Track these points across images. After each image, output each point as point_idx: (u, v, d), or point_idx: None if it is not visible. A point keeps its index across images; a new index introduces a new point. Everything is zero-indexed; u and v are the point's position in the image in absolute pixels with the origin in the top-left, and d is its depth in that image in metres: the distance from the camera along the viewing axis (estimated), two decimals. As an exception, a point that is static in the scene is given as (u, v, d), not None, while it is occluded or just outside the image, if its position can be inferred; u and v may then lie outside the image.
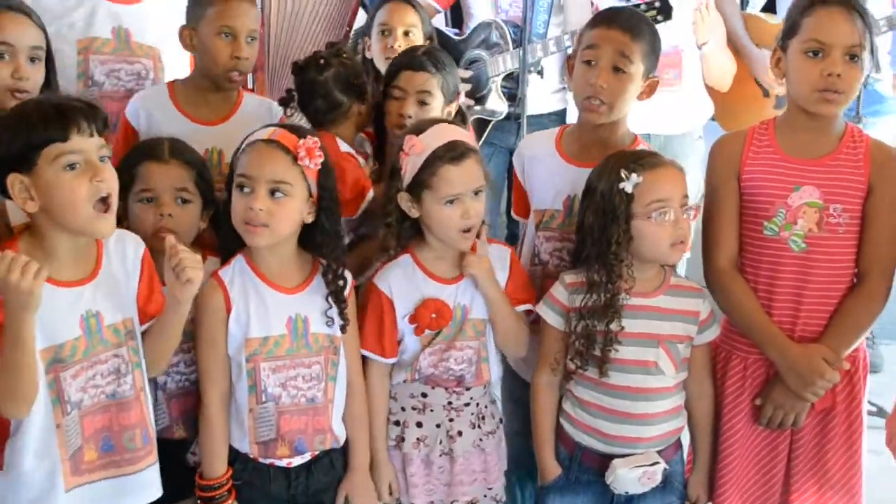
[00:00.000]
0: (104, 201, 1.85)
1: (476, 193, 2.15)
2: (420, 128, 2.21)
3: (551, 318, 2.23)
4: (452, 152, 2.13)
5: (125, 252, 2.00)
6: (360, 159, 2.53)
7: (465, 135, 2.24)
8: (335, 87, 2.53)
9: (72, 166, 1.82)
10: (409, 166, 2.16)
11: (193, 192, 2.21)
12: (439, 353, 2.23)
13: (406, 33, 2.99)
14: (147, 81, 2.71)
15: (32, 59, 2.27)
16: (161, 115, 2.50)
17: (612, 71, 2.26)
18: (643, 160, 2.15)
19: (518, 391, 2.41)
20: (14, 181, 1.82)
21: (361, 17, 3.48)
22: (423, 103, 2.51)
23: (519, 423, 2.40)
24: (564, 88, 3.60)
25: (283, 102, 2.62)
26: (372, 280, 2.23)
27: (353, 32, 3.47)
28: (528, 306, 2.28)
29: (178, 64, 2.74)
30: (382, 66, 2.89)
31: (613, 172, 2.13)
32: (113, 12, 2.68)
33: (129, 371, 1.98)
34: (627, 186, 2.11)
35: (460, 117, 2.62)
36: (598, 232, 2.14)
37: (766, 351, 2.24)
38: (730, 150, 2.29)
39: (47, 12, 2.44)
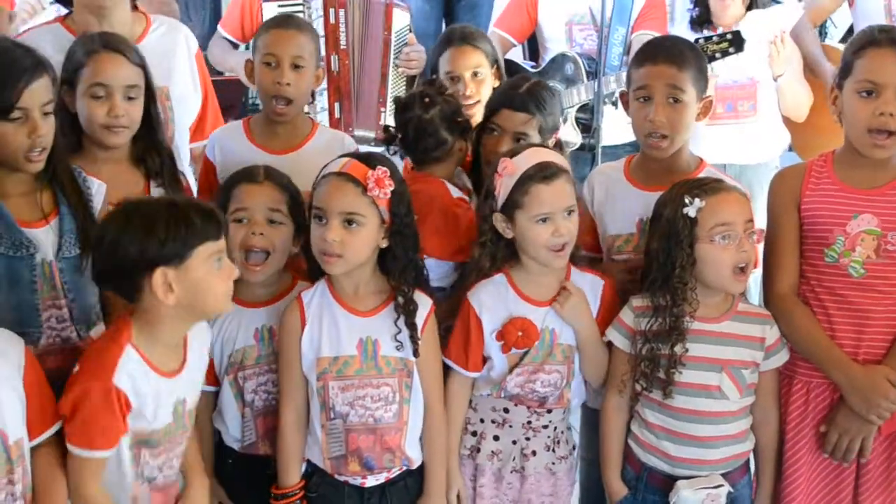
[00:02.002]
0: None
1: (568, 213, 2.21)
2: (514, 151, 2.28)
3: (619, 340, 2.27)
4: (544, 172, 2.19)
5: (202, 343, 2.11)
6: (470, 199, 2.53)
7: (558, 157, 2.29)
8: (441, 125, 2.53)
9: (219, 261, 1.96)
10: (503, 187, 2.22)
11: (285, 215, 2.25)
12: (527, 374, 2.27)
13: (475, 74, 3.00)
14: None
15: (130, 98, 2.34)
16: (234, 146, 2.58)
17: (668, 104, 2.31)
18: (706, 185, 2.19)
19: (597, 420, 2.42)
20: (159, 276, 1.89)
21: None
22: (518, 141, 2.51)
23: (596, 452, 2.42)
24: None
25: (387, 141, 2.66)
26: (466, 295, 2.29)
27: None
28: None
29: (187, 94, 2.79)
30: None
31: (678, 198, 2.18)
32: None
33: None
34: (691, 211, 2.15)
35: (558, 149, 2.58)
36: (664, 256, 2.18)
37: (829, 373, 2.25)
38: (790, 182, 2.33)
39: None
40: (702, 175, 2.38)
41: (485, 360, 2.30)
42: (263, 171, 2.29)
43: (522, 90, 2.59)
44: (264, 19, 3.35)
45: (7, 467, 1.84)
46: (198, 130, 2.90)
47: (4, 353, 1.88)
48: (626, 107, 2.45)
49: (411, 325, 2.17)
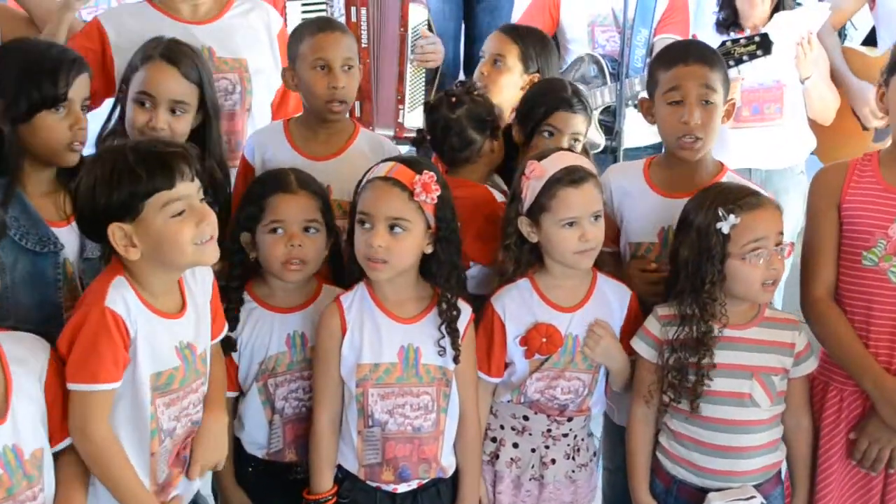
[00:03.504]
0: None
1: (595, 219, 2.19)
2: (542, 154, 2.26)
3: (644, 350, 2.25)
4: (572, 175, 2.17)
5: (203, 281, 2.07)
6: None
7: (586, 161, 2.28)
8: (468, 125, 2.51)
9: (179, 213, 1.88)
10: (529, 190, 2.20)
11: (320, 223, 2.24)
12: (548, 379, 2.26)
13: (494, 61, 2.89)
14: (235, 96, 2.74)
15: (173, 111, 2.35)
16: (275, 150, 2.54)
17: (700, 105, 2.29)
18: (741, 201, 2.15)
19: (619, 429, 2.42)
20: (115, 230, 1.87)
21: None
22: (575, 141, 2.52)
23: (619, 461, 2.41)
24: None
25: (416, 143, 2.65)
26: (489, 300, 2.27)
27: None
28: None
29: (266, 69, 2.80)
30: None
31: (711, 211, 2.14)
32: (193, 34, 2.70)
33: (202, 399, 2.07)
34: (724, 227, 2.12)
35: (584, 153, 2.58)
36: (693, 268, 2.16)
37: (860, 382, 2.22)
38: (831, 180, 2.29)
39: (133, 44, 2.48)
40: (724, 180, 2.36)
41: (506, 365, 2.29)
42: (295, 178, 2.26)
43: (571, 92, 2.58)
44: (287, 18, 3.34)
45: (25, 483, 1.80)
46: (280, 109, 2.91)
47: (23, 360, 1.84)
48: (646, 113, 2.43)
49: (453, 332, 2.15)
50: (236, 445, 2.29)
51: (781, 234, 2.16)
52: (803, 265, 2.30)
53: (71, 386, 1.87)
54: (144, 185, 1.86)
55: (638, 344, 2.26)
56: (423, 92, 3.46)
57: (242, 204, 2.29)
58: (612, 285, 2.30)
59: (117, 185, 1.86)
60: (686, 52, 2.37)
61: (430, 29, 3.52)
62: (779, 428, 2.25)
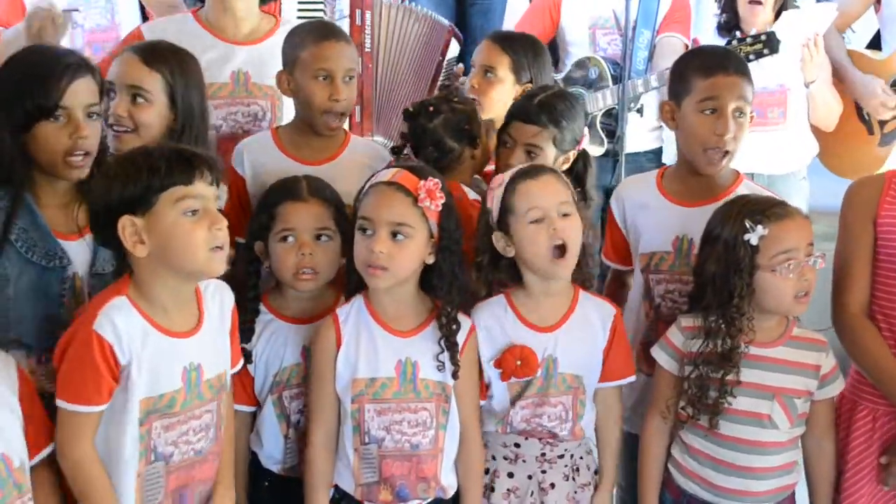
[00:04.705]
0: (219, 248, 1.87)
1: (564, 215, 2.10)
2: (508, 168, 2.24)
3: (665, 361, 2.19)
4: (528, 170, 2.14)
5: (222, 303, 2.02)
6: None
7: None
8: (445, 134, 2.46)
9: (193, 212, 1.83)
10: (495, 199, 2.15)
11: (333, 230, 2.19)
12: (532, 406, 2.17)
13: (486, 72, 2.82)
14: (264, 122, 2.73)
15: (134, 98, 2.29)
16: (265, 158, 2.48)
17: (734, 118, 2.24)
18: (769, 211, 2.09)
19: (632, 444, 2.34)
20: (126, 223, 1.81)
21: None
22: (530, 154, 2.44)
23: (633, 478, 2.33)
24: (661, 127, 3.55)
25: (396, 151, 2.59)
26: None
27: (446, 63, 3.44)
28: (629, 379, 2.23)
29: None
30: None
31: (737, 222, 2.08)
32: (232, 56, 2.71)
33: (216, 426, 1.99)
34: (752, 238, 2.06)
35: (583, 162, 2.54)
36: (720, 282, 2.09)
37: (892, 400, 2.16)
38: (866, 194, 2.22)
39: None
40: (740, 189, 2.31)
41: (486, 386, 2.20)
42: (306, 185, 2.20)
43: (536, 102, 2.49)
44: (282, 16, 3.28)
45: (15, 492, 1.75)
46: None
47: None
48: (669, 118, 2.36)
49: (452, 346, 2.08)
50: (253, 460, 2.24)
51: (812, 244, 2.10)
52: (836, 280, 2.24)
53: (58, 402, 1.84)
54: (162, 179, 1.81)
55: (659, 354, 2.20)
56: None
57: (255, 212, 2.26)
58: (595, 303, 2.21)
59: (135, 177, 1.82)
60: (727, 62, 2.32)
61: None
62: (796, 450, 2.18)
